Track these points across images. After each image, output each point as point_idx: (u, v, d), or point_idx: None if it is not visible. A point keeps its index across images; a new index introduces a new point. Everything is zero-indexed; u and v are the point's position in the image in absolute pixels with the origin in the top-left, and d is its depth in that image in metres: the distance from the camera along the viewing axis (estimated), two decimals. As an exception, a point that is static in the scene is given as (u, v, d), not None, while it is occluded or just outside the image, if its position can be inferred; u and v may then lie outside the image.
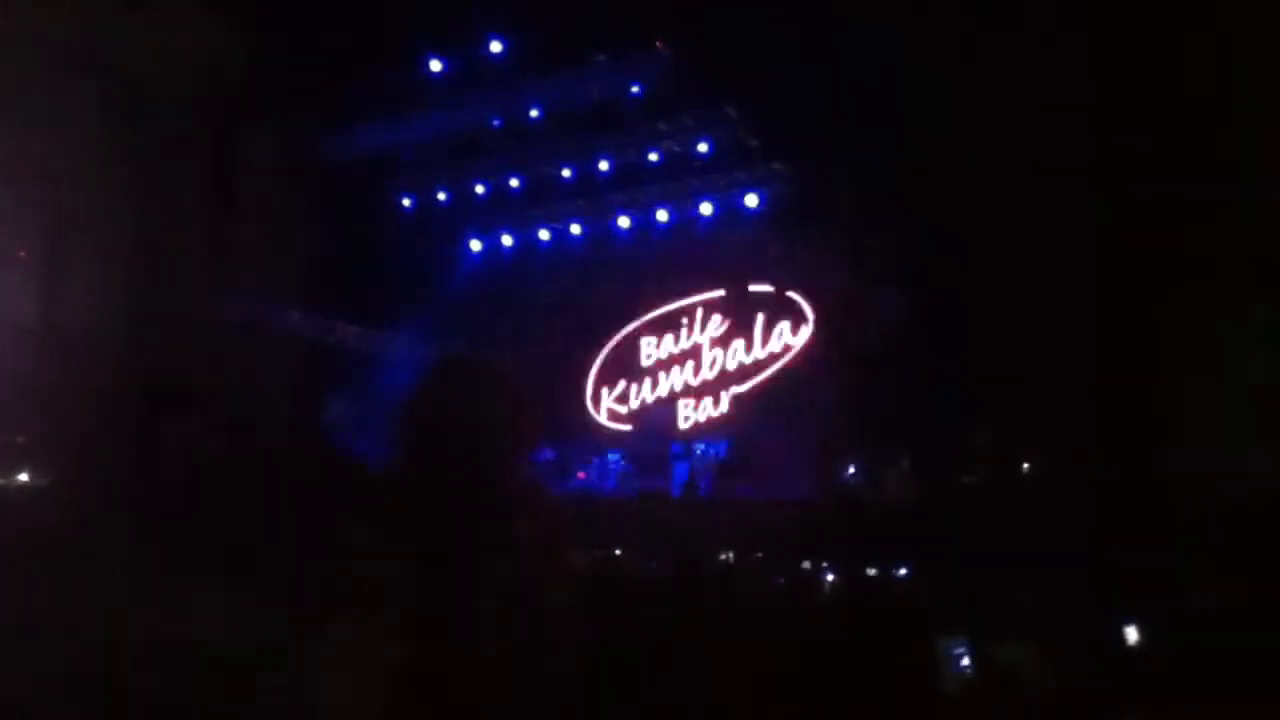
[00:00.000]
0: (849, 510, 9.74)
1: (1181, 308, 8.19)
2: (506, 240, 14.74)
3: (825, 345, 11.96)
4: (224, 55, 10.08)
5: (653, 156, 12.88)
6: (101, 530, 2.32)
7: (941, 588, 6.11)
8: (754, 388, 12.63)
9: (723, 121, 12.24)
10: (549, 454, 12.36)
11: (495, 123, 12.90)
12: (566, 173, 13.44)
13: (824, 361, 11.79)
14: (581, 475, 12.39)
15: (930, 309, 10.09)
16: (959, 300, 9.93)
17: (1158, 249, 8.42)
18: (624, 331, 13.71)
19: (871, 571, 7.63)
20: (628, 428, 13.35)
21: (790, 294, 12.52)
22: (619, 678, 3.02)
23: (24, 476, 6.78)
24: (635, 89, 11.97)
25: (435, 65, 12.31)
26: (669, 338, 13.39)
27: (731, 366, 12.85)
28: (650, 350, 13.48)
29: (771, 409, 12.10)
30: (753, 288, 12.77)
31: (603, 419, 13.61)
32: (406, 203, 14.35)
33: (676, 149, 12.75)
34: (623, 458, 12.45)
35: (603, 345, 13.80)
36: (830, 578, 7.77)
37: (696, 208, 13.24)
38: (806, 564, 8.36)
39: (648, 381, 13.41)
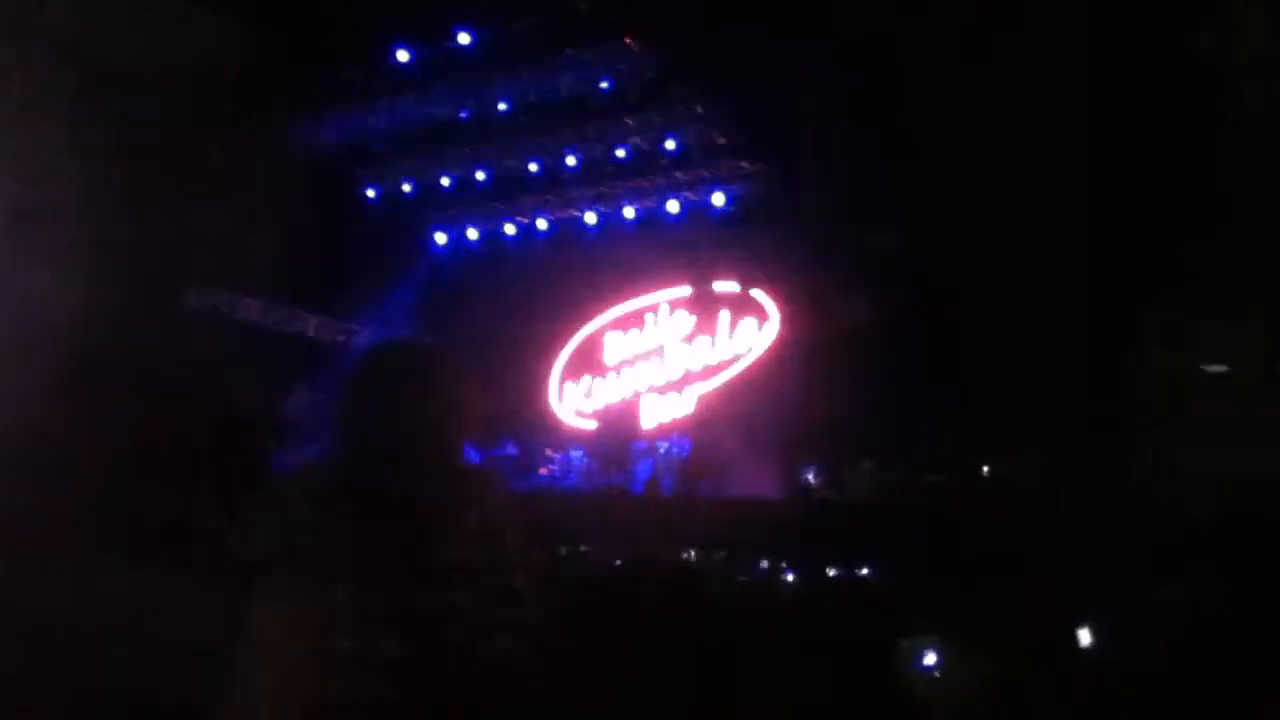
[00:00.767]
0: (812, 510, 9.74)
1: (1162, 308, 8.24)
2: (472, 234, 14.63)
3: (790, 344, 11.98)
4: (190, 42, 9.95)
5: (620, 153, 12.83)
6: (49, 517, 2.26)
7: (906, 588, 6.11)
8: (718, 386, 12.63)
9: (691, 119, 12.23)
10: (512, 449, 12.29)
11: (462, 115, 12.80)
12: (533, 167, 13.34)
13: (789, 360, 11.81)
14: (544, 471, 12.32)
15: (897, 309, 10.14)
16: (926, 300, 9.98)
17: (1131, 249, 8.49)
18: (589, 327, 13.66)
19: (833, 572, 7.63)
20: (592, 424, 13.30)
21: (755, 292, 12.54)
22: (580, 673, 2.98)
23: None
24: (604, 84, 11.92)
25: (403, 55, 12.19)
26: (634, 334, 13.35)
27: (696, 365, 12.84)
28: (615, 347, 13.44)
29: (736, 407, 12.10)
30: (718, 286, 12.77)
31: (566, 415, 13.55)
32: (371, 194, 14.21)
33: (644, 146, 12.71)
34: (586, 454, 12.39)
35: (567, 340, 13.74)
36: (791, 577, 7.77)
37: (663, 205, 13.21)
38: (765, 563, 8.35)
39: (612, 378, 13.37)
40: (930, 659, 3.52)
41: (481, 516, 2.23)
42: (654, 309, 13.28)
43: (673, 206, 13.14)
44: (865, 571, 7.66)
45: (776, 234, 11.84)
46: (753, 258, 12.21)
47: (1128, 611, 4.16)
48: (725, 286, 12.75)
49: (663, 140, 12.52)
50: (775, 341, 12.27)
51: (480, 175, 13.67)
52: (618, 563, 7.43)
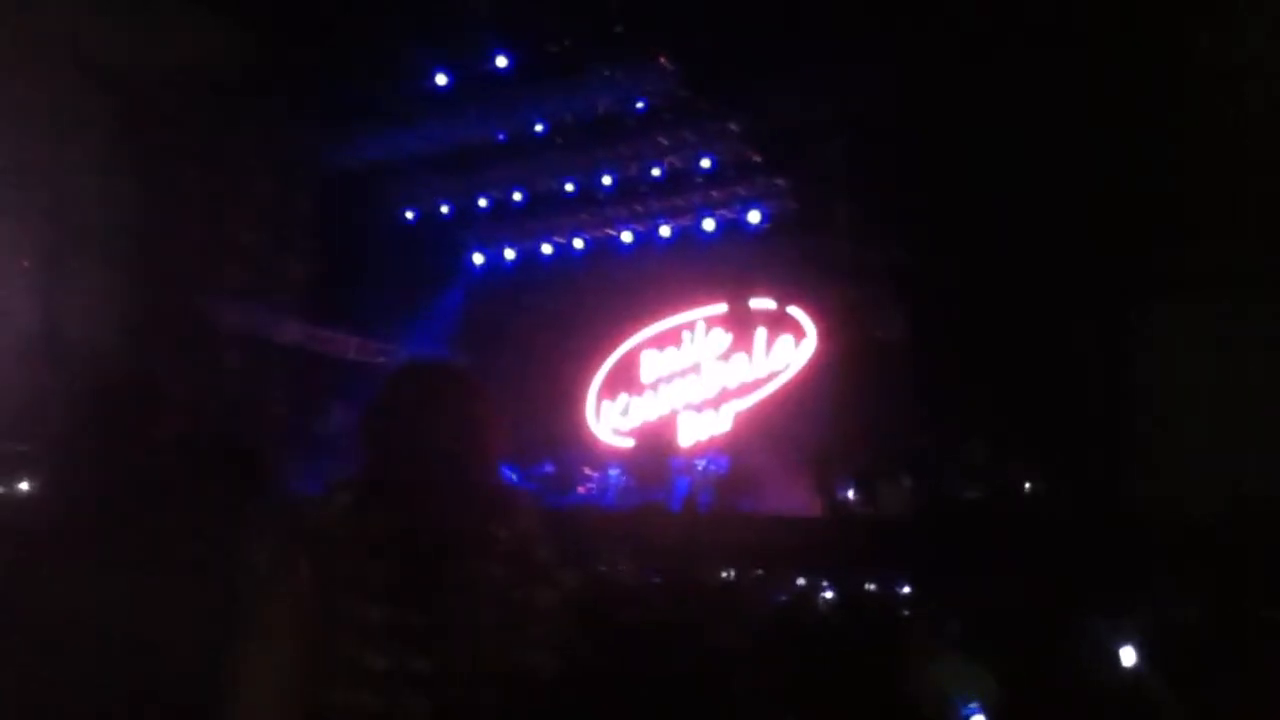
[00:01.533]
0: (849, 526, 9.69)
1: (1180, 321, 8.18)
2: (509, 254, 14.75)
3: (827, 360, 11.94)
4: (229, 62, 10.10)
5: (655, 172, 12.88)
6: (87, 530, 2.31)
7: (942, 603, 6.07)
8: (755, 403, 12.61)
9: (725, 137, 12.25)
10: (550, 468, 12.34)
11: (499, 136, 12.90)
12: (570, 187, 13.42)
13: (826, 377, 11.77)
14: (582, 490, 12.35)
15: (931, 324, 10.08)
16: (960, 315, 9.91)
17: (1158, 263, 8.42)
18: (625, 346, 13.70)
19: (871, 587, 7.57)
20: (629, 442, 13.32)
21: (791, 309, 12.52)
22: (613, 689, 3.00)
23: (25, 485, 6.76)
24: (639, 104, 11.97)
25: (441, 79, 12.31)
26: (671, 352, 13.37)
27: (733, 382, 12.83)
28: (652, 365, 13.46)
29: (773, 424, 12.08)
30: (754, 303, 12.76)
31: (603, 433, 13.57)
32: (409, 215, 14.35)
33: (679, 164, 12.75)
34: (623, 472, 12.41)
35: (604, 359, 13.78)
36: (829, 594, 7.72)
37: (699, 223, 13.24)
38: (802, 580, 8.30)
39: (649, 395, 13.39)
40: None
41: (512, 535, 2.26)
42: (690, 326, 13.30)
43: (708, 224, 13.17)
44: (905, 590, 7.60)
45: (811, 250, 11.81)
46: (788, 274, 12.19)
47: (1155, 623, 4.11)
48: (762, 304, 12.74)
49: (697, 158, 12.55)
50: (812, 358, 12.25)
51: (517, 196, 13.77)
52: (656, 580, 7.42)
